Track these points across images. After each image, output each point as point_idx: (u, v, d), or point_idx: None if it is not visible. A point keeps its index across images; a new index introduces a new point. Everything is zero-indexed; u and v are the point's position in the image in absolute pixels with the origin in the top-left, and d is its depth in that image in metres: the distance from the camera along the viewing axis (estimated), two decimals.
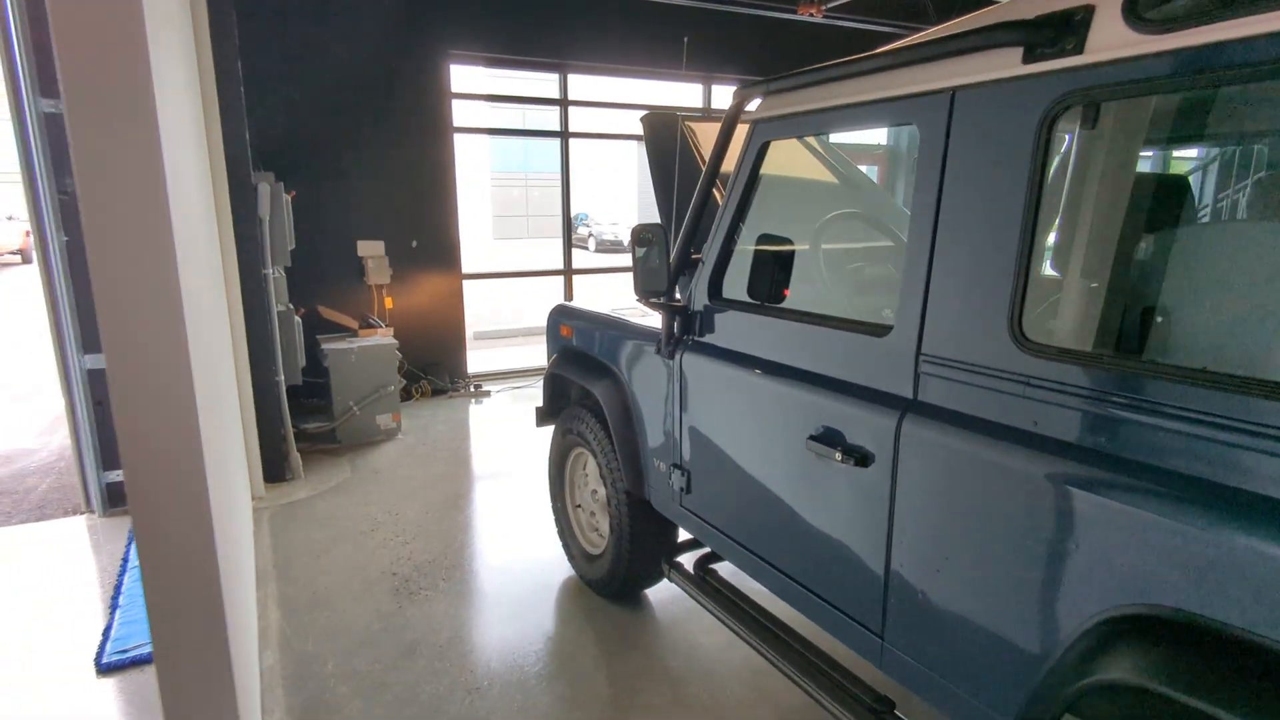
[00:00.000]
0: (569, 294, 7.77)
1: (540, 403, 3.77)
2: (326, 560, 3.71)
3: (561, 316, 3.54)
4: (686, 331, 2.56)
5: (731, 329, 2.37)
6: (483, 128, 7.71)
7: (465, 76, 7.06)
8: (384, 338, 5.82)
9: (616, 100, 7.86)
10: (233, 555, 2.32)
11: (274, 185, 4.59)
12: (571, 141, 7.57)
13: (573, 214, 8.25)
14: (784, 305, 2.22)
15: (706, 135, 3.50)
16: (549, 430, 3.84)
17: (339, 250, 6.40)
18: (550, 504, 3.70)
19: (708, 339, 2.48)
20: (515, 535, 4.01)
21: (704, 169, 2.56)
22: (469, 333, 7.40)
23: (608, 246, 26.54)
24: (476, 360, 7.61)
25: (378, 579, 3.52)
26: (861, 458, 1.81)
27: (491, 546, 3.88)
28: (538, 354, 8.64)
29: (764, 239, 2.33)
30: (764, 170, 2.31)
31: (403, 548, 3.84)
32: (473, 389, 6.95)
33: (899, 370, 1.76)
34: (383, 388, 5.54)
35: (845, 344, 1.93)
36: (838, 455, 1.85)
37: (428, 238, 6.76)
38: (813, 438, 1.96)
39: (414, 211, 6.67)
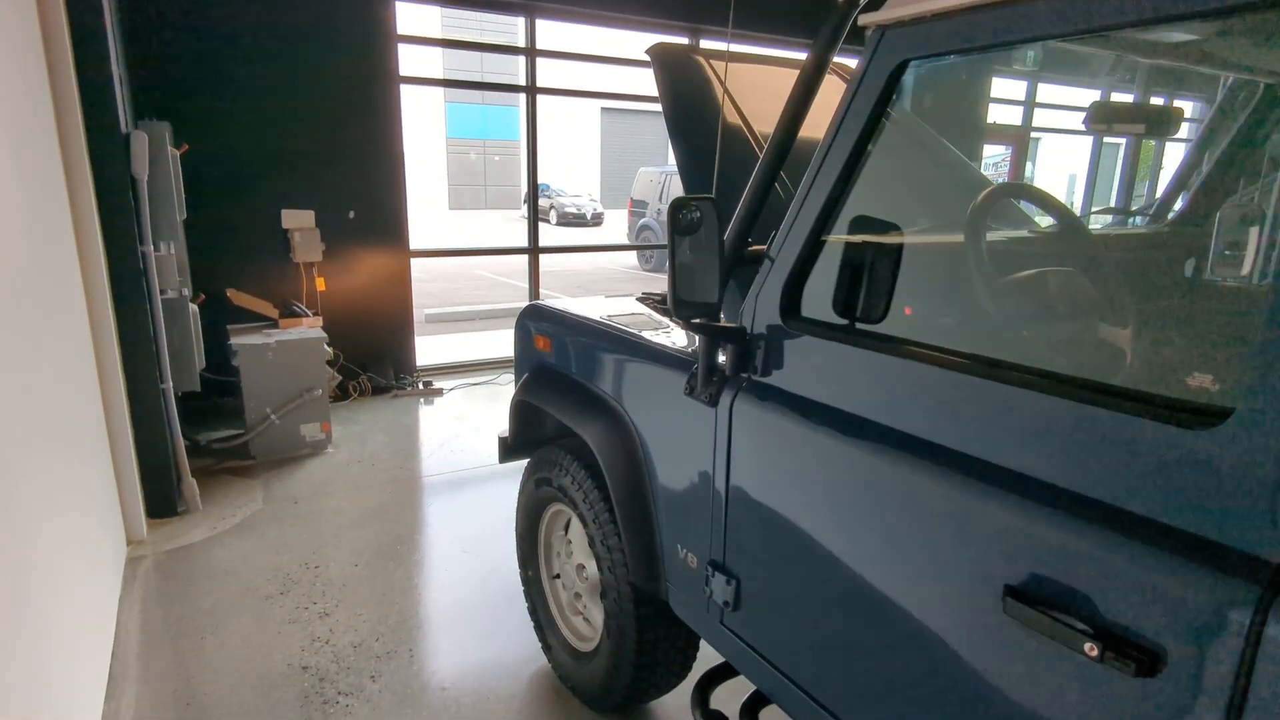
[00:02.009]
0: (535, 275, 6.80)
1: (504, 431, 2.86)
2: (214, 644, 2.75)
3: (535, 323, 2.61)
4: (742, 367, 1.66)
5: (827, 371, 1.48)
6: (435, 78, 6.63)
7: (414, 16, 5.96)
8: (310, 329, 4.80)
9: (592, 52, 6.84)
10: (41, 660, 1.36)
11: (156, 136, 3.53)
12: (538, 102, 6.54)
13: (539, 184, 7.24)
14: (942, 343, 1.33)
15: (740, 82, 2.58)
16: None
17: (259, 221, 5.32)
18: (519, 571, 2.78)
19: (778, 380, 1.58)
20: (474, 602, 3.09)
21: (780, 120, 1.66)
22: (418, 317, 6.37)
23: (570, 220, 25.36)
24: (427, 350, 6.61)
25: (282, 678, 2.58)
26: (1147, 661, 0.94)
27: (442, 620, 2.97)
28: (499, 341, 7.65)
29: (873, 227, 1.44)
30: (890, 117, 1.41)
31: (321, 622, 2.90)
32: (421, 386, 5.96)
33: (1249, 505, 0.89)
34: (308, 391, 4.54)
35: (1099, 430, 1.04)
36: (1090, 649, 0.98)
37: (368, 207, 5.71)
38: (1015, 593, 1.09)
39: (352, 176, 5.61)
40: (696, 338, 1.84)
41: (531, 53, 6.36)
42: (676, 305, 1.55)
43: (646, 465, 2.00)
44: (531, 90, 6.41)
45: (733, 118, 2.44)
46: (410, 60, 5.80)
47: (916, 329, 1.46)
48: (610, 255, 16.89)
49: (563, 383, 2.37)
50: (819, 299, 1.56)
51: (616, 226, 24.36)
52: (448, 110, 30.41)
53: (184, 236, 4.06)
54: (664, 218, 15.26)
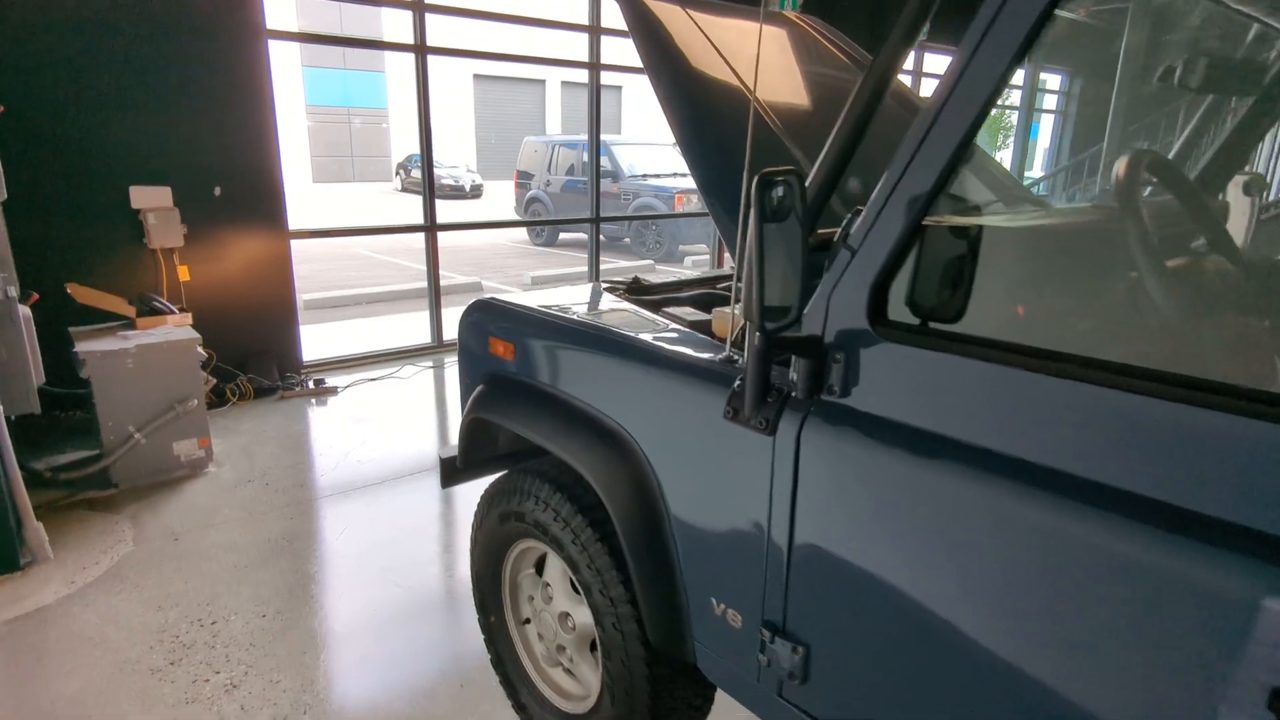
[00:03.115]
0: (433, 255, 6.18)
1: (446, 449, 2.41)
2: None
3: (491, 323, 2.16)
4: (816, 386, 1.31)
5: (940, 391, 1.16)
6: (316, 34, 5.82)
7: None
8: (178, 328, 4.07)
9: (487, 8, 6.23)
10: None
11: None
12: (420, 64, 5.89)
13: (410, 154, 6.57)
14: (1101, 352, 1.03)
15: (723, 34, 2.21)
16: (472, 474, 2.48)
17: (102, 200, 4.47)
18: (476, 615, 2.35)
19: (866, 402, 1.25)
20: (418, 650, 2.63)
21: (857, 96, 1.32)
22: (299, 304, 5.65)
23: (448, 192, 24.14)
24: (313, 343, 5.90)
25: None
26: None
27: (383, 677, 2.49)
28: (393, 328, 6.98)
29: (997, 205, 1.12)
30: None
31: (228, 697, 2.37)
32: (312, 384, 5.29)
33: None
34: (181, 402, 3.84)
35: None
36: None
37: (237, 182, 4.94)
38: None
39: (216, 147, 4.82)
40: (740, 347, 1.49)
41: (420, 7, 5.69)
42: (763, 313, 1.17)
43: (664, 500, 1.63)
44: (421, 49, 5.75)
45: (722, 73, 2.07)
46: (277, 8, 5.03)
47: (1063, 333, 1.18)
48: (497, 230, 16.15)
49: (536, 397, 1.95)
50: (906, 299, 1.23)
51: (496, 198, 23.45)
52: (306, 75, 28.17)
53: (2, 221, 3.27)
54: (553, 189, 14.75)
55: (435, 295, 6.23)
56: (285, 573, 3.05)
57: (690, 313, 2.01)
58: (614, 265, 11.43)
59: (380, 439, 4.46)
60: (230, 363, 4.96)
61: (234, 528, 3.40)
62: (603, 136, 16.28)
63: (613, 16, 6.76)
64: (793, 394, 1.36)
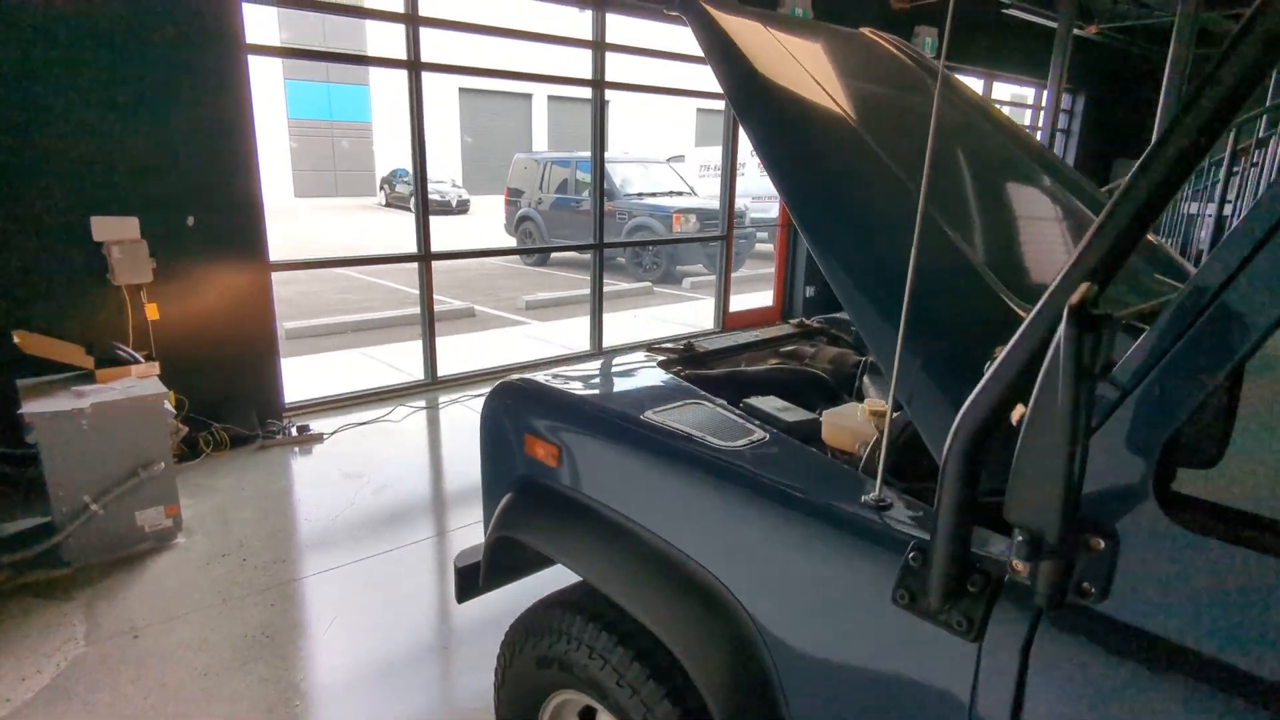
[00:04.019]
0: (428, 287, 5.74)
1: (464, 557, 1.98)
2: None
3: (528, 413, 1.73)
4: (1062, 587, 0.89)
5: None
6: (296, 48, 5.38)
7: None
8: (143, 378, 3.60)
9: (482, 23, 5.83)
10: None
11: None
12: (394, 80, 5.46)
13: (395, 169, 6.14)
14: None
15: (800, 49, 1.80)
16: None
17: (58, 233, 3.99)
18: None
19: (1141, 616, 0.83)
20: None
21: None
22: (280, 336, 5.17)
23: (434, 208, 23.67)
24: (295, 380, 5.43)
25: None
26: None
27: None
28: (384, 360, 6.51)
29: None
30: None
31: None
32: (295, 431, 4.81)
33: None
34: (145, 467, 3.36)
35: None
36: None
37: (213, 211, 4.48)
38: None
39: (189, 173, 4.36)
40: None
41: (414, 21, 5.27)
42: (1068, 514, 0.76)
43: (784, 697, 1.21)
44: (415, 65, 5.32)
45: (812, 92, 1.66)
46: (257, 19, 4.60)
47: None
48: (479, 242, 15.69)
49: (590, 523, 1.52)
50: (1204, 463, 0.82)
51: (484, 214, 23.02)
52: (288, 88, 27.66)
53: None
54: (544, 206, 14.33)
55: (429, 329, 5.78)
56: (264, 683, 2.58)
57: (782, 408, 1.59)
58: (612, 287, 11.02)
59: (373, 498, 3.99)
60: (204, 409, 4.48)
61: (204, 618, 2.92)
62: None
63: (617, 33, 6.38)
64: (1008, 578, 0.94)
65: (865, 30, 2.24)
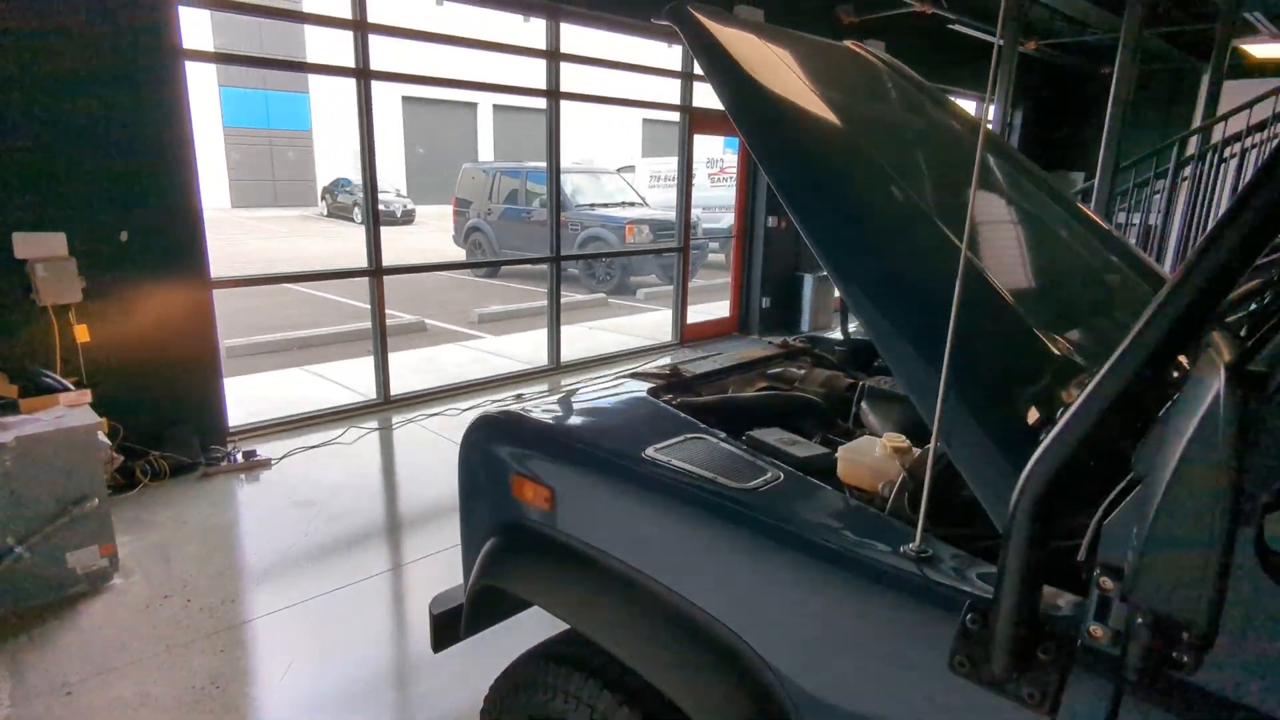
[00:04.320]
0: (380, 303, 5.53)
1: (440, 601, 1.84)
2: None
3: (514, 450, 1.61)
4: (1155, 659, 0.81)
5: None
6: (237, 54, 5.14)
7: None
8: (72, 407, 3.33)
9: (433, 30, 5.66)
10: None
11: None
12: (335, 87, 5.27)
13: (337, 178, 5.92)
14: None
15: (792, 59, 1.72)
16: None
17: None
18: None
19: (1248, 692, 0.76)
20: None
21: None
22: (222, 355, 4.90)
23: (382, 218, 23.14)
24: (239, 402, 5.15)
25: None
26: None
27: None
28: (333, 378, 6.25)
29: None
30: None
31: None
32: (241, 457, 4.55)
33: None
34: (77, 503, 3.11)
35: None
36: None
37: (149, 225, 4.22)
38: None
39: (122, 185, 4.09)
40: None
41: (362, 28, 5.08)
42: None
43: None
44: (364, 74, 5.13)
45: (818, 108, 1.59)
46: (194, 25, 4.36)
47: None
48: (428, 254, 15.37)
49: (587, 571, 1.40)
50: None
51: (429, 224, 22.62)
52: (223, 95, 26.78)
53: None
54: (494, 217, 14.11)
55: (382, 346, 5.56)
56: None
57: (788, 440, 1.50)
58: (566, 299, 10.84)
59: (327, 528, 3.78)
60: (141, 437, 4.20)
61: (146, 669, 2.69)
62: (544, 164, 15.74)
63: (572, 43, 6.27)
64: (1082, 644, 0.86)
65: (849, 43, 2.18)
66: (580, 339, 8.03)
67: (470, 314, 9.87)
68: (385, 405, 5.61)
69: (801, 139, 1.43)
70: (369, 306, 5.56)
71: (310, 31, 23.09)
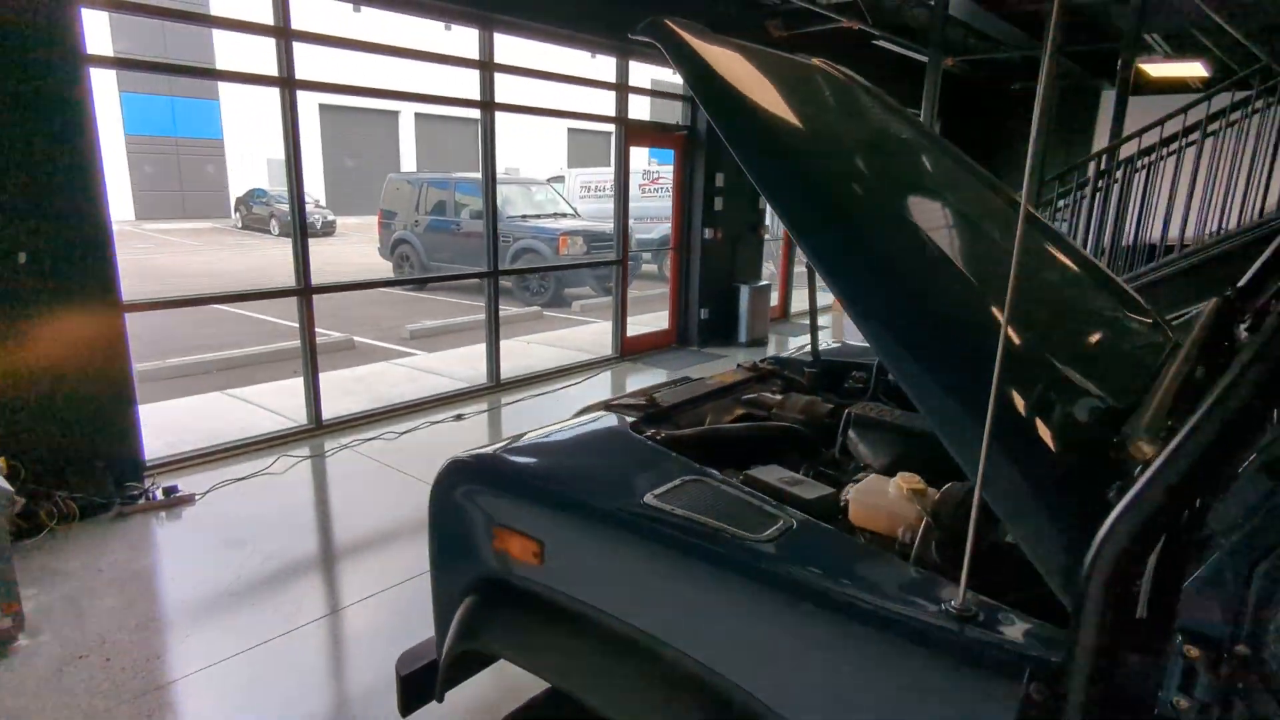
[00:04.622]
0: (309, 324, 5.25)
1: (410, 660, 1.70)
2: None
3: (495, 499, 1.49)
4: None
5: None
6: (149, 60, 4.80)
7: None
8: None
9: (360, 38, 5.43)
10: None
11: None
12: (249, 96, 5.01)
13: (252, 189, 5.61)
14: None
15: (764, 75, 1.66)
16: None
17: None
18: None
19: None
20: None
21: None
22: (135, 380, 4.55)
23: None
24: (156, 433, 4.80)
25: None
26: None
27: None
28: (257, 407, 5.90)
29: None
30: None
31: None
32: (160, 493, 4.22)
33: None
34: None
35: None
36: None
37: (51, 245, 3.88)
38: None
39: (20, 202, 3.74)
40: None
41: (285, 35, 4.82)
42: None
43: None
44: (289, 83, 4.87)
45: (802, 120, 1.53)
46: (98, 27, 4.04)
47: None
48: (352, 270, 14.86)
49: (585, 633, 1.29)
50: None
51: (351, 236, 21.94)
52: (124, 102, 25.36)
53: None
54: (421, 229, 13.74)
55: (312, 368, 5.28)
56: None
57: (790, 480, 1.43)
58: (501, 312, 10.61)
59: (261, 568, 3.53)
60: (46, 475, 3.85)
61: None
62: (474, 174, 15.51)
63: (507, 53, 6.13)
64: (1160, 715, 0.81)
65: (817, 61, 2.14)
66: (517, 354, 7.85)
67: (401, 330, 9.55)
68: (317, 430, 5.32)
69: (810, 166, 1.36)
70: (294, 324, 5.28)
71: (220, 37, 22.14)
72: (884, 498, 1.27)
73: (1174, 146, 6.47)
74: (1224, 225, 6.43)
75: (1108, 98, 13.67)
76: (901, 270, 1.26)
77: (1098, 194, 6.93)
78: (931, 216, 1.50)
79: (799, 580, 1.10)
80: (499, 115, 6.15)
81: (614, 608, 1.26)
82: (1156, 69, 10.50)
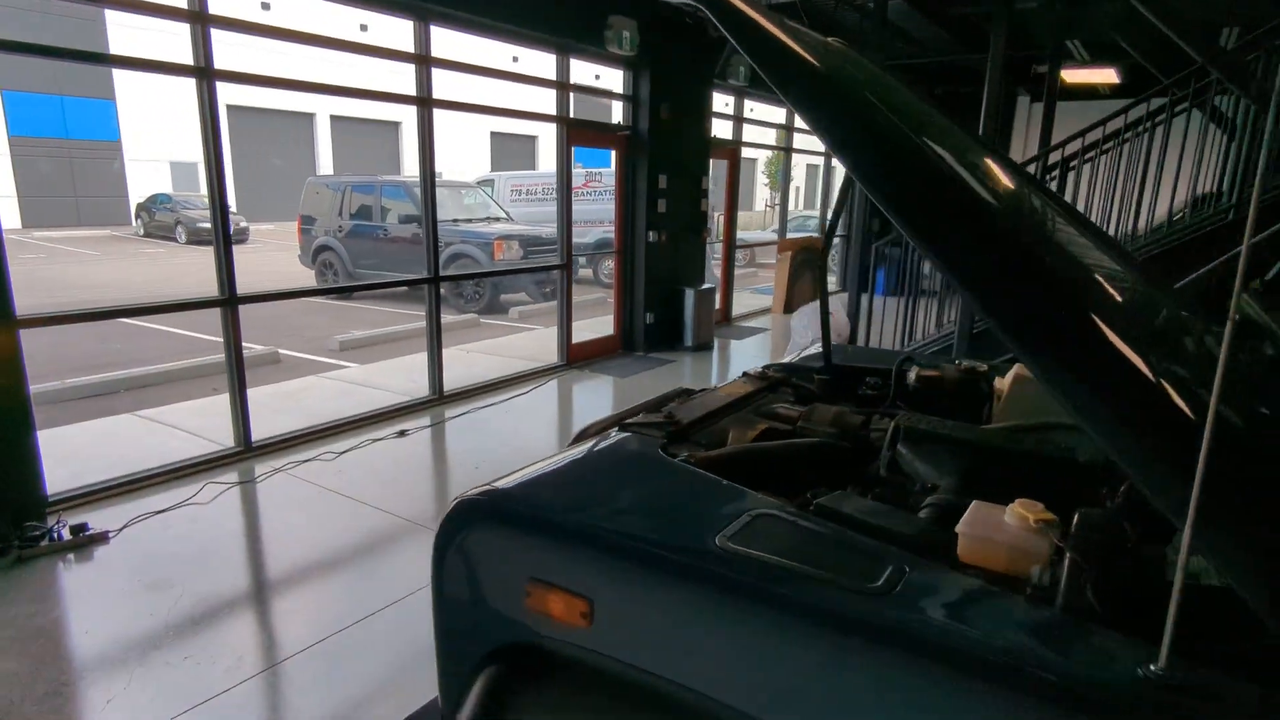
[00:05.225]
0: (235, 338, 4.81)
1: None
2: None
3: (525, 545, 1.23)
4: None
5: None
6: (56, 47, 4.28)
7: None
8: None
9: (283, 25, 5.02)
10: None
11: None
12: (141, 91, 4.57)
13: (154, 194, 5.13)
14: None
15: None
16: None
17: None
18: None
19: None
20: None
21: None
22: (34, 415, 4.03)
23: (205, 237, 21.03)
24: (59, 463, 4.27)
25: None
26: None
27: None
28: (175, 430, 5.37)
29: None
30: None
31: None
32: (67, 532, 3.73)
33: None
34: None
35: None
36: None
37: None
38: None
39: None
40: None
41: (203, 20, 4.38)
42: None
43: None
44: (208, 74, 4.43)
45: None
46: None
47: None
48: (270, 280, 14.09)
49: (649, 711, 1.05)
50: None
51: (266, 243, 20.88)
52: (5, 100, 23.51)
53: None
54: (346, 235, 13.11)
55: (239, 385, 4.83)
56: None
57: (873, 510, 1.23)
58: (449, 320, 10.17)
59: (189, 613, 3.13)
60: None
61: None
62: (400, 177, 14.98)
63: (444, 47, 5.80)
64: None
65: (833, 40, 1.96)
66: (458, 364, 7.47)
67: (329, 341, 9.01)
68: (246, 453, 4.87)
69: (919, 152, 1.16)
70: (210, 338, 4.84)
71: (117, 29, 20.69)
72: (1001, 530, 1.08)
73: (1107, 146, 6.62)
74: (1137, 227, 6.48)
75: (1023, 104, 14.19)
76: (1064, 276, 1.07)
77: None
78: (1038, 210, 1.32)
79: (941, 640, 0.89)
80: (415, 117, 5.81)
81: (689, 679, 1.03)
82: (1073, 75, 10.91)
